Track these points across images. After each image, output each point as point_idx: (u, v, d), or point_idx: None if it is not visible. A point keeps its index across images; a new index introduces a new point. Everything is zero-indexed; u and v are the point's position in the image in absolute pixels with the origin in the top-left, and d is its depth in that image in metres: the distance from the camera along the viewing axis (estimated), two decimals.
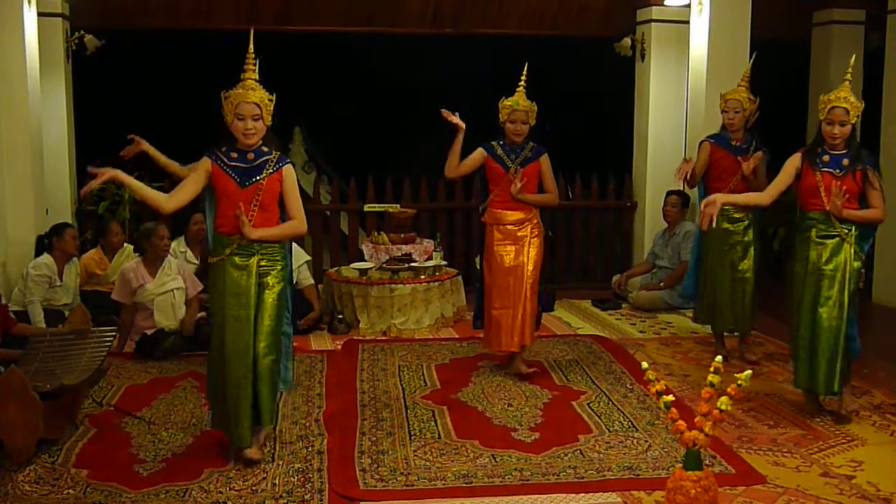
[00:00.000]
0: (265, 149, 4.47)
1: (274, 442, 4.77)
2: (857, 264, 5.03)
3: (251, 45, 4.44)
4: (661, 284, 8.31)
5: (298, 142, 11.37)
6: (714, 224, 4.96)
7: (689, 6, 8.55)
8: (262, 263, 4.44)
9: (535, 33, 9.42)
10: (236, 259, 4.41)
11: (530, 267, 5.90)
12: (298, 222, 4.55)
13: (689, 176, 6.38)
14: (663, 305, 8.22)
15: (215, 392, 4.53)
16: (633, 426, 5.06)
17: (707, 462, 4.31)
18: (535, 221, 5.98)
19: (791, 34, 9.73)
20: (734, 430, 4.99)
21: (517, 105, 5.86)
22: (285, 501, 4.07)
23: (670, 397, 3.63)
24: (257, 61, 5.41)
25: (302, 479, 4.32)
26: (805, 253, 5.08)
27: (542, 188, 6.02)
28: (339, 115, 11.85)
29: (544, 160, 5.98)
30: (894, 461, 4.54)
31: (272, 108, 4.42)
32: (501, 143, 5.97)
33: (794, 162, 5.16)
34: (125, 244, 7.61)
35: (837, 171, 5.00)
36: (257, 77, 4.42)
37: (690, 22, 8.53)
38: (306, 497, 4.12)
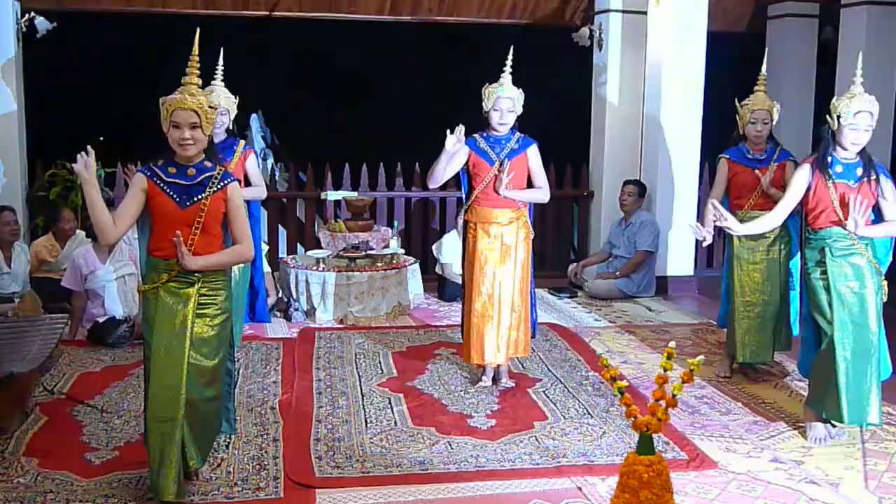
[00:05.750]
0: (208, 163, 3.95)
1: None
2: (879, 278, 4.60)
3: (196, 47, 3.97)
4: (617, 273, 8.37)
5: (256, 129, 11.30)
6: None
7: None
8: (203, 292, 3.92)
9: (493, 22, 9.43)
10: (173, 286, 3.88)
11: (519, 273, 5.39)
12: (245, 247, 4.02)
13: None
14: (619, 294, 8.28)
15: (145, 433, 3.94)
16: (588, 413, 5.10)
17: (660, 448, 4.36)
18: (524, 220, 5.42)
19: (747, 26, 9.84)
20: (687, 417, 5.05)
21: (502, 92, 5.29)
22: (240, 489, 4.05)
23: (624, 383, 3.64)
24: (221, 50, 5.27)
25: (257, 466, 4.29)
26: (822, 271, 4.60)
27: (531, 183, 5.47)
28: (297, 102, 11.80)
29: (533, 151, 5.41)
30: (841, 447, 4.62)
31: (214, 118, 3.94)
32: (485, 134, 5.42)
33: (804, 174, 4.66)
34: (77, 231, 7.49)
35: (852, 181, 4.54)
36: (199, 83, 3.93)
37: (648, 12, 8.62)
38: (262, 484, 4.10)
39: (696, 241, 6.00)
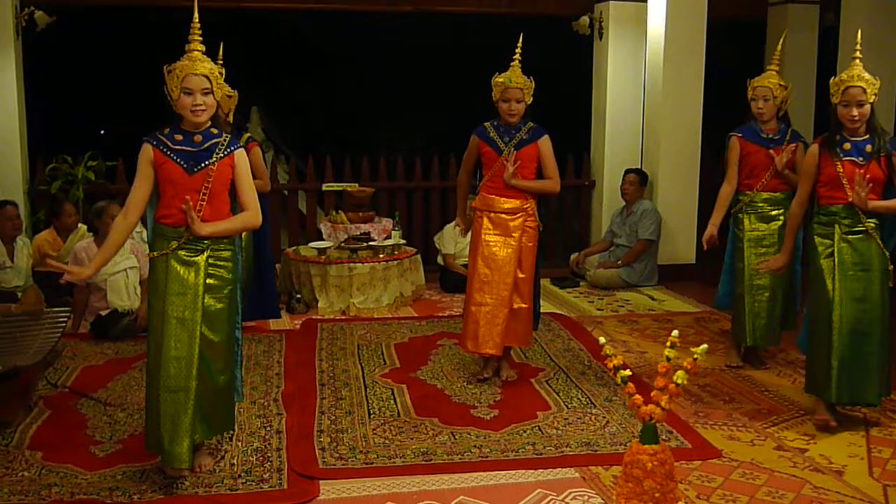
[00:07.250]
0: (214, 130, 3.97)
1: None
2: (885, 260, 4.59)
3: (196, 14, 3.98)
4: (619, 262, 8.36)
5: (255, 121, 11.27)
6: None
7: None
8: (212, 262, 3.96)
9: (493, 11, 9.39)
10: (182, 254, 3.91)
11: (523, 265, 5.34)
12: (252, 213, 4.05)
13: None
14: (621, 283, 8.27)
15: (150, 405, 3.97)
16: (591, 402, 5.10)
17: (664, 437, 4.37)
18: (531, 212, 5.37)
19: (747, 14, 9.80)
20: (690, 406, 5.05)
21: (510, 82, 5.23)
22: (244, 481, 4.05)
23: (627, 372, 3.65)
24: (221, 44, 5.27)
25: (261, 458, 4.30)
26: (829, 250, 4.59)
27: (541, 174, 5.45)
28: (296, 93, 11.77)
29: (544, 142, 5.37)
30: (845, 434, 4.62)
31: (223, 82, 4.04)
32: (495, 123, 5.39)
33: (812, 157, 4.69)
34: (79, 224, 7.48)
35: (860, 159, 4.54)
36: (203, 48, 3.94)
37: (648, 1, 8.58)
38: (265, 476, 4.10)
39: (698, 228, 5.98)
